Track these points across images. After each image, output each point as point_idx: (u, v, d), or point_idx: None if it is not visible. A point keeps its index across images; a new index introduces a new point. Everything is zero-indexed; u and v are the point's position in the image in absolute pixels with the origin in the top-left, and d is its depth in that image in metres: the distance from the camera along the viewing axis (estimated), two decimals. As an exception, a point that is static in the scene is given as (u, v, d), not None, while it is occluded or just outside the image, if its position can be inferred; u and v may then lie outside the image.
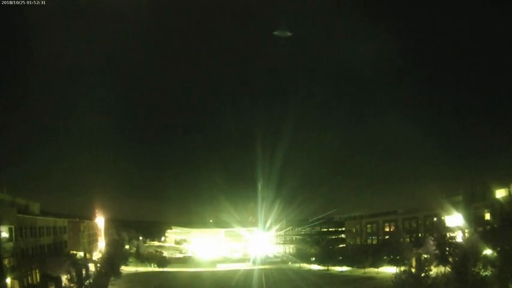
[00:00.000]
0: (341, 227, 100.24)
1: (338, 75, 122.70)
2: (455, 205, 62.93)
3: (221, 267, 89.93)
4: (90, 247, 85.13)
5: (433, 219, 69.86)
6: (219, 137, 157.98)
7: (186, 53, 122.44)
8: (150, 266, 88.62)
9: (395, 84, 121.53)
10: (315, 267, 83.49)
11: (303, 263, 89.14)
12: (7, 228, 46.34)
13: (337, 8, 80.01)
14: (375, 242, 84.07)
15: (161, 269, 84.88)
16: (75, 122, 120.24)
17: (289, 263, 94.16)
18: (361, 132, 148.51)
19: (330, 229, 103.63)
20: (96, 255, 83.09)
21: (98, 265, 63.32)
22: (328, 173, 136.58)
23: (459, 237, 54.79)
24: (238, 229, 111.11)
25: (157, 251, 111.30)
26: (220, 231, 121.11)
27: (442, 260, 50.34)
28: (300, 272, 77.34)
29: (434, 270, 44.79)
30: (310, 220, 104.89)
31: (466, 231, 55.68)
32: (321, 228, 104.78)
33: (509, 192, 55.59)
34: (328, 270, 78.08)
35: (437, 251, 52.25)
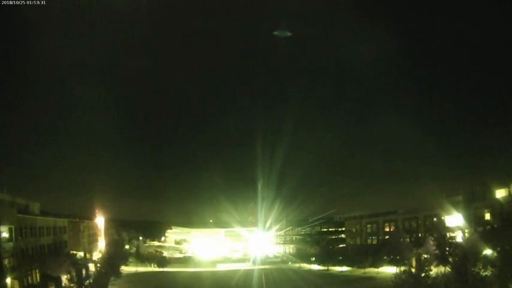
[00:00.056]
0: (341, 227, 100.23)
1: (338, 75, 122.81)
2: (455, 205, 62.91)
3: (221, 267, 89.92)
4: (90, 247, 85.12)
5: (433, 219, 69.82)
6: (219, 137, 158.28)
7: (186, 53, 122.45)
8: (150, 266, 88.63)
9: (395, 84, 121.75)
10: (315, 267, 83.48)
11: (303, 263, 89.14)
12: (7, 228, 46.32)
13: (337, 8, 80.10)
14: (375, 242, 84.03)
15: (161, 269, 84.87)
16: (75, 122, 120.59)
17: (289, 263, 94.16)
18: (361, 132, 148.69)
19: (330, 229, 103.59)
20: (96, 255, 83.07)
21: (98, 265, 63.25)
22: (328, 173, 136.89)
23: (459, 237, 54.78)
24: (238, 229, 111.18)
25: (157, 251, 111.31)
26: (220, 231, 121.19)
27: (442, 260, 50.32)
28: (300, 272, 77.33)
29: (434, 270, 44.77)
30: (310, 220, 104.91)
31: (466, 231, 55.66)
32: (321, 228, 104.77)
33: (509, 192, 55.57)
34: (328, 270, 78.08)
35: (437, 251, 52.19)
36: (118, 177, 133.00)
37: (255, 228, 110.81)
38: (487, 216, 57.03)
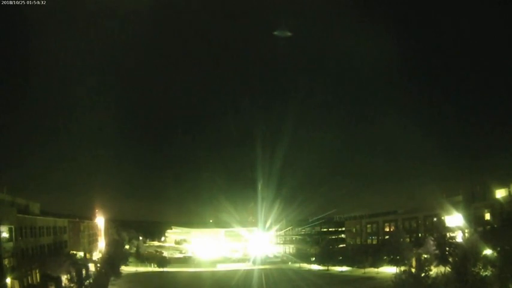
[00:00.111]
0: (341, 227, 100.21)
1: (338, 75, 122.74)
2: (455, 205, 62.91)
3: (221, 267, 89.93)
4: (90, 247, 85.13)
5: (433, 219, 69.82)
6: (219, 137, 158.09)
7: (186, 53, 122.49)
8: (150, 266, 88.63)
9: (396, 84, 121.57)
10: (315, 267, 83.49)
11: (303, 263, 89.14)
12: (7, 228, 46.31)
13: (337, 8, 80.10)
14: (375, 242, 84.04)
15: (161, 269, 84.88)
16: (75, 122, 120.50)
17: (289, 263, 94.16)
18: (361, 132, 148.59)
19: (330, 229, 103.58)
20: (96, 255, 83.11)
21: (98, 265, 63.29)
22: (328, 173, 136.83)
23: (459, 237, 54.78)
24: (238, 229, 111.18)
25: (157, 251, 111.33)
26: (220, 231, 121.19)
27: (442, 260, 50.33)
28: (300, 272, 77.33)
29: (434, 270, 44.78)
30: (310, 220, 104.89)
31: (466, 231, 55.65)
32: (321, 228, 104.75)
33: (509, 192, 55.59)
34: (328, 270, 78.07)
35: (437, 251, 52.22)
36: (118, 177, 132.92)
37: (255, 228, 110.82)
38: (487, 216, 57.04)
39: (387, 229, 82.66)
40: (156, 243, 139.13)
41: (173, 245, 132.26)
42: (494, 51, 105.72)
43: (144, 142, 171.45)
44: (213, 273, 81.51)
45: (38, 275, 52.79)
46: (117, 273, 61.04)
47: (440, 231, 56.08)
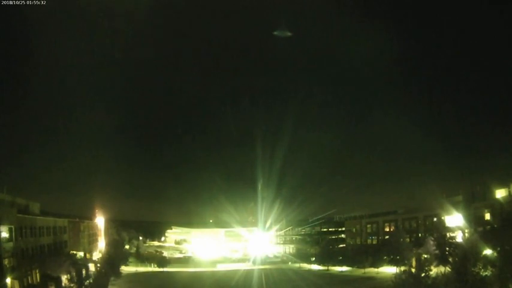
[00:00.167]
0: (341, 227, 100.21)
1: (338, 75, 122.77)
2: (455, 205, 62.91)
3: (221, 267, 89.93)
4: (90, 247, 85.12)
5: (433, 219, 69.83)
6: (219, 137, 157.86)
7: (186, 53, 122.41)
8: (150, 266, 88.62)
9: (395, 84, 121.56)
10: (315, 267, 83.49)
11: (303, 263, 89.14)
12: (7, 228, 46.33)
13: (337, 8, 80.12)
14: (375, 242, 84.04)
15: (161, 269, 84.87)
16: (75, 122, 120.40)
17: (289, 263, 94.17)
18: (361, 132, 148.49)
19: (330, 229, 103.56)
20: (96, 255, 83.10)
21: (98, 265, 63.30)
22: (328, 173, 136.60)
23: (459, 237, 54.79)
24: (238, 229, 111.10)
25: (157, 251, 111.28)
26: (220, 231, 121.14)
27: (442, 260, 50.33)
28: (300, 272, 77.33)
29: (434, 270, 44.77)
30: (310, 220, 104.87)
31: (466, 231, 55.67)
32: (321, 228, 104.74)
33: (509, 192, 55.57)
34: (328, 270, 78.08)
35: (437, 251, 52.22)
36: (118, 177, 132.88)
37: (255, 228, 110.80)
38: (487, 216, 57.02)
39: (387, 229, 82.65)
40: (156, 243, 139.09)
41: (173, 245, 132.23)
42: (494, 51, 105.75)
43: (144, 142, 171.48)
44: (213, 273, 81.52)
45: (38, 275, 52.80)
46: (117, 273, 61.06)
47: (440, 231, 56.09)
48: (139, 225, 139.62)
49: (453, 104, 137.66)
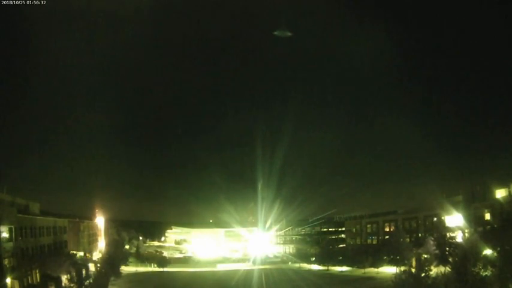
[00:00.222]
0: (341, 227, 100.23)
1: (338, 75, 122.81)
2: (455, 205, 62.92)
3: (221, 267, 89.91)
4: (90, 247, 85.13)
5: (433, 219, 69.84)
6: (219, 137, 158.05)
7: (186, 53, 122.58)
8: (150, 266, 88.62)
9: (395, 84, 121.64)
10: (315, 267, 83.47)
11: (303, 263, 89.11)
12: (7, 228, 46.31)
13: (337, 8, 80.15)
14: (375, 242, 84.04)
15: (161, 269, 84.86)
16: (75, 122, 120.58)
17: (289, 263, 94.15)
18: (361, 132, 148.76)
19: (330, 229, 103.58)
20: (96, 255, 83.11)
21: (98, 265, 63.27)
22: (328, 173, 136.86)
23: (459, 237, 54.79)
24: (238, 229, 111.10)
25: (157, 251, 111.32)
26: (220, 231, 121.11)
27: (442, 260, 50.32)
28: (300, 272, 77.31)
29: (434, 270, 44.80)
30: (310, 220, 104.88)
31: (466, 231, 55.67)
32: (321, 228, 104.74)
33: (509, 192, 55.60)
34: (328, 270, 78.07)
35: (437, 251, 52.22)
36: (118, 177, 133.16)
37: (255, 228, 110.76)
38: (487, 216, 57.03)
39: (387, 229, 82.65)
40: (156, 243, 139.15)
41: (173, 245, 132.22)
42: (494, 51, 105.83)
43: (144, 142, 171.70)
44: (213, 273, 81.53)
45: (38, 275, 52.77)
46: (117, 273, 61.06)
47: (440, 231, 56.09)
48: (139, 225, 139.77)
49: (453, 104, 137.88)
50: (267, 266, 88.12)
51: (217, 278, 73.57)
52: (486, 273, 38.32)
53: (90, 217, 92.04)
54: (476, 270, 38.37)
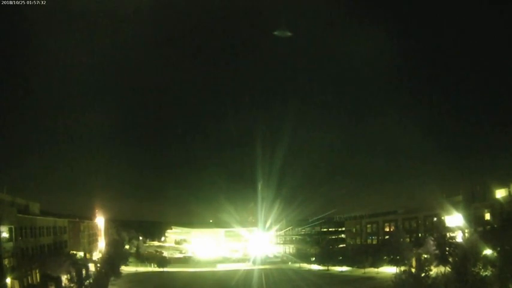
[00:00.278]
0: (341, 227, 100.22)
1: (338, 75, 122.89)
2: (455, 205, 62.91)
3: (221, 267, 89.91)
4: (90, 247, 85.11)
5: (433, 219, 69.83)
6: (219, 137, 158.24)
7: (186, 53, 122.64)
8: (150, 266, 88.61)
9: (396, 84, 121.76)
10: (315, 267, 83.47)
11: (303, 263, 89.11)
12: (7, 228, 46.28)
13: (337, 8, 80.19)
14: (375, 242, 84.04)
15: (161, 269, 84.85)
16: (75, 122, 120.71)
17: (289, 263, 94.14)
18: (361, 132, 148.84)
19: (330, 229, 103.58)
20: (96, 255, 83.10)
21: (98, 265, 63.32)
22: (328, 173, 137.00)
23: (459, 237, 54.78)
24: (238, 229, 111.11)
25: (157, 251, 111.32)
26: (220, 231, 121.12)
27: (442, 260, 50.31)
28: (300, 272, 77.31)
29: (434, 270, 44.79)
30: (310, 220, 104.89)
31: (466, 231, 55.66)
32: (321, 228, 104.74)
33: (509, 192, 55.57)
34: (328, 270, 78.06)
35: (437, 251, 52.20)
36: (118, 177, 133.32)
37: (255, 228, 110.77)
38: (487, 216, 57.01)
39: (387, 229, 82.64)
40: (156, 243, 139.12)
41: (173, 245, 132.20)
42: (494, 51, 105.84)
43: (144, 142, 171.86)
44: (213, 273, 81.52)
45: (38, 275, 52.76)
46: (117, 273, 61.06)
47: (440, 231, 56.07)
48: (139, 225, 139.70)
49: (453, 104, 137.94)
50: (267, 266, 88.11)
51: (217, 278, 73.56)
52: (486, 273, 38.30)
53: (90, 217, 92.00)
54: (476, 270, 38.35)
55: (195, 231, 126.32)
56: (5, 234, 45.67)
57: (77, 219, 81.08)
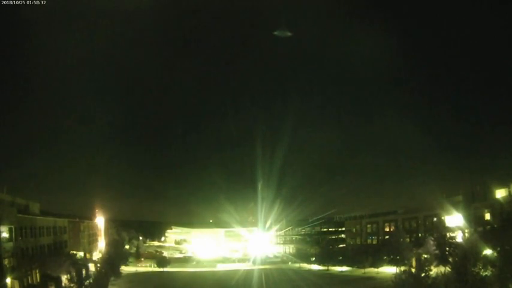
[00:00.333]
0: (341, 227, 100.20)
1: (338, 75, 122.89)
2: (455, 205, 62.89)
3: (221, 267, 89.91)
4: (90, 247, 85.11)
5: (433, 219, 69.82)
6: (219, 137, 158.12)
7: (186, 53, 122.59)
8: (150, 266, 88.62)
9: (396, 84, 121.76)
10: (315, 267, 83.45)
11: (303, 263, 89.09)
12: (7, 228, 46.33)
13: (337, 7, 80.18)
14: (375, 242, 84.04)
15: (161, 269, 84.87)
16: (75, 122, 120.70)
17: (289, 263, 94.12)
18: (361, 132, 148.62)
19: (330, 229, 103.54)
20: (96, 255, 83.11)
21: (98, 265, 63.33)
22: (328, 173, 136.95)
23: (459, 237, 54.78)
24: (238, 229, 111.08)
25: (157, 251, 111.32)
26: (220, 231, 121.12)
27: (442, 260, 50.31)
28: (300, 272, 77.29)
29: (434, 270, 44.79)
30: (310, 220, 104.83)
31: (466, 231, 55.66)
32: (321, 228, 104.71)
33: (509, 192, 55.54)
34: (328, 270, 78.05)
35: (437, 251, 52.20)
36: (118, 177, 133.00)
37: (255, 228, 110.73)
38: (487, 216, 56.99)
39: (387, 229, 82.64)
40: (156, 243, 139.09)
41: (173, 245, 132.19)
42: (494, 51, 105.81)
43: (144, 142, 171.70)
44: (213, 273, 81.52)
45: (38, 275, 52.77)
46: (117, 273, 61.08)
47: (440, 231, 56.08)
48: (139, 225, 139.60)
49: (453, 104, 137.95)
50: (267, 266, 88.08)
51: (217, 278, 73.56)
52: (486, 273, 38.28)
53: (90, 217, 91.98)
54: (476, 270, 38.33)
55: (195, 231, 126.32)
56: (5, 234, 45.71)
57: (77, 219, 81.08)
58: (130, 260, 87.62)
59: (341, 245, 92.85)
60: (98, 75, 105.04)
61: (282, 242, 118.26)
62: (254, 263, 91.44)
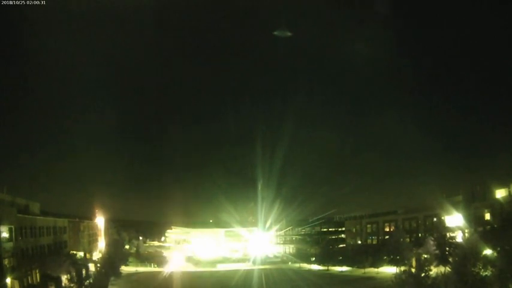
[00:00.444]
0: (341, 227, 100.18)
1: (338, 75, 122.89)
2: (455, 205, 62.88)
3: (221, 267, 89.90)
4: (90, 247, 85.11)
5: (433, 219, 69.83)
6: (219, 137, 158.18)
7: (187, 53, 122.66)
8: (150, 266, 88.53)
9: (396, 84, 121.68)
10: (315, 267, 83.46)
11: (303, 263, 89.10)
12: (7, 228, 46.36)
13: (337, 7, 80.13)
14: (375, 242, 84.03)
15: (161, 269, 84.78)
16: (75, 122, 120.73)
17: (289, 263, 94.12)
18: (361, 132, 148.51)
19: (330, 229, 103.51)
20: (96, 255, 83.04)
21: (98, 265, 63.24)
22: (328, 173, 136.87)
23: (459, 237, 54.73)
24: (238, 229, 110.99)
25: (157, 251, 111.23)
26: (220, 231, 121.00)
27: (442, 260, 50.32)
28: (300, 272, 77.30)
29: (434, 270, 44.77)
30: (310, 220, 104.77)
31: (466, 231, 55.59)
32: (321, 228, 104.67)
33: (509, 192, 55.55)
34: (328, 270, 78.06)
35: (437, 251, 52.21)
36: (118, 177, 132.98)
37: (255, 228, 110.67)
38: (487, 216, 56.99)
39: (387, 229, 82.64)
40: (156, 243, 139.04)
41: (173, 245, 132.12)
42: (494, 51, 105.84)
43: (144, 142, 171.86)
44: (213, 273, 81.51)
45: (38, 275, 52.81)
46: (117, 273, 61.00)
47: (440, 231, 56.04)
48: (139, 225, 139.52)
49: (453, 103, 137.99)
50: (267, 266, 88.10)
51: (217, 278, 73.57)
52: (486, 273, 38.21)
53: (90, 217, 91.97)
54: (476, 270, 38.28)
55: (195, 231, 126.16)
56: (5, 234, 45.75)
57: (77, 219, 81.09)
58: (130, 260, 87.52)
59: (341, 245, 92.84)
60: (98, 75, 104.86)
61: (282, 242, 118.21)
62: (254, 263, 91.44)
